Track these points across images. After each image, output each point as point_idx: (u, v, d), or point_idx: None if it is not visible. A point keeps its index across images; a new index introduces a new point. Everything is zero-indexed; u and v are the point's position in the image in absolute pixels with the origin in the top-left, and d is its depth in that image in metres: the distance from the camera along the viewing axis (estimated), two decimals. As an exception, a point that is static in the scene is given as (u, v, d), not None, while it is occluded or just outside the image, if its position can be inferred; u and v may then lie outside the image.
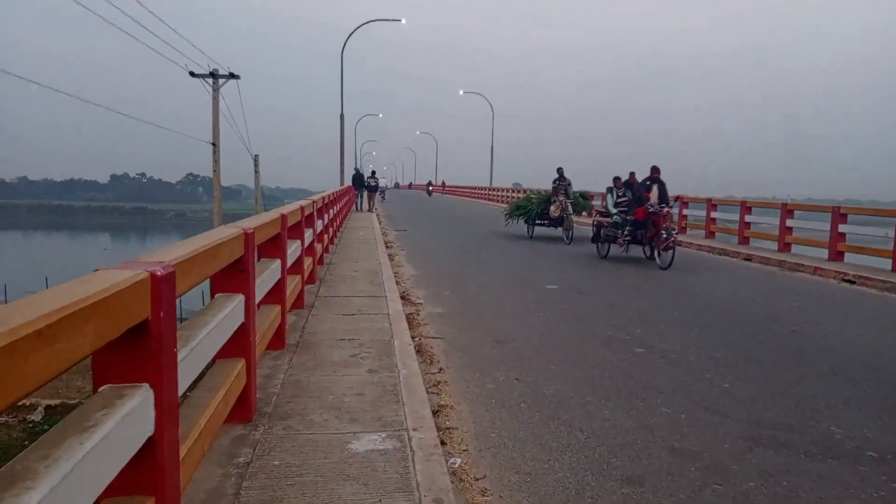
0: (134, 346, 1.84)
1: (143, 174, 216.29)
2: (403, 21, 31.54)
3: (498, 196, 43.52)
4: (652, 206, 11.30)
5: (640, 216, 11.54)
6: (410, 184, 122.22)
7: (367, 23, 29.49)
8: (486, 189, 50.95)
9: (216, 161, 20.54)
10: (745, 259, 13.08)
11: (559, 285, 9.23)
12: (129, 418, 1.70)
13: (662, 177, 11.70)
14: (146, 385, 1.85)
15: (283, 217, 5.03)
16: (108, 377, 1.84)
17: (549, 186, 16.66)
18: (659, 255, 11.15)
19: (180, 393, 2.15)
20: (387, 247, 13.80)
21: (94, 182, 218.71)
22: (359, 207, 29.40)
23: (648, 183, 11.68)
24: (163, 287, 1.89)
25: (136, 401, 1.77)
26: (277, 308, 4.69)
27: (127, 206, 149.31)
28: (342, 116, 28.07)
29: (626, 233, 11.92)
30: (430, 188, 61.17)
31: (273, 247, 4.76)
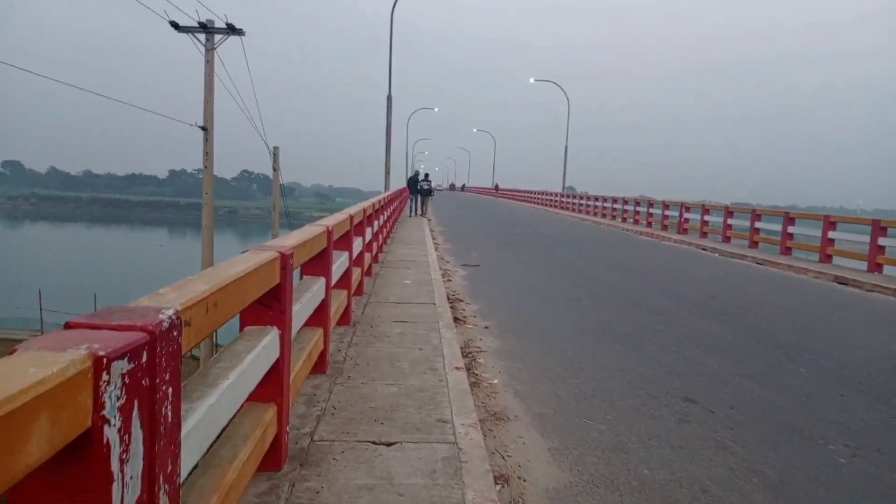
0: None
1: (199, 170, 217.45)
2: None
3: (578, 206, 36.05)
4: None
5: None
6: (464, 185, 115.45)
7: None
8: (557, 195, 43.73)
9: (206, 152, 14.28)
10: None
11: None
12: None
13: None
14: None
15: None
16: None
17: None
18: None
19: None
20: (455, 317, 7.10)
21: (153, 177, 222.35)
22: (412, 212, 26.81)
23: None
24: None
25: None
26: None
27: (182, 202, 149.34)
28: (389, 98, 21.49)
29: None
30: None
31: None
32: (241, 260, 2.62)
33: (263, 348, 2.70)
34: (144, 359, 1.39)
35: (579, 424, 4.25)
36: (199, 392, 2.05)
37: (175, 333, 1.59)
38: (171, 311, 1.60)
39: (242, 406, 2.66)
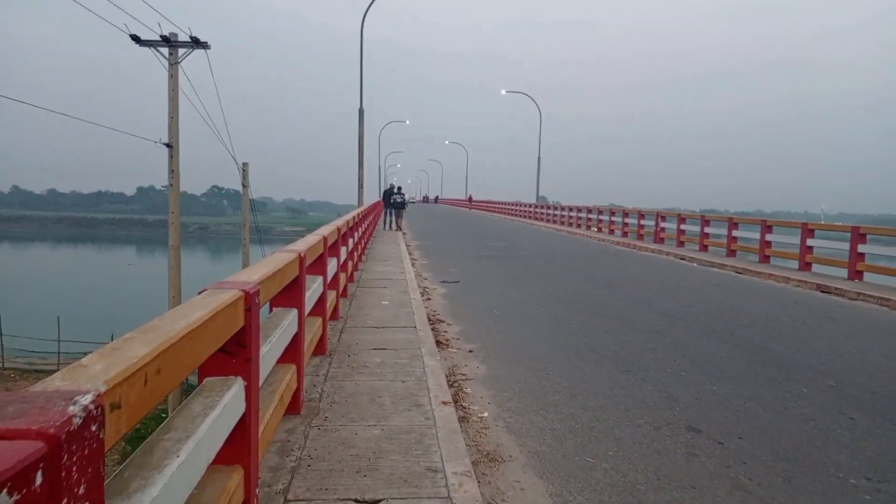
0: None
1: (168, 186, 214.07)
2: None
3: (552, 217, 35.97)
4: None
5: None
6: (437, 197, 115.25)
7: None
8: (530, 206, 43.70)
9: (172, 170, 13.73)
10: None
11: None
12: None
13: None
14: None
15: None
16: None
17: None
18: None
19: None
20: (438, 341, 6.72)
21: (120, 194, 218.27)
22: (386, 226, 27.14)
23: None
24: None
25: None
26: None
27: (150, 219, 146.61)
28: (361, 111, 21.10)
29: None
30: None
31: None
32: (196, 305, 2.21)
33: (225, 407, 2.29)
34: (39, 481, 1.00)
35: (580, 463, 3.90)
36: (139, 481, 1.64)
37: (94, 428, 1.20)
38: (88, 398, 1.20)
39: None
